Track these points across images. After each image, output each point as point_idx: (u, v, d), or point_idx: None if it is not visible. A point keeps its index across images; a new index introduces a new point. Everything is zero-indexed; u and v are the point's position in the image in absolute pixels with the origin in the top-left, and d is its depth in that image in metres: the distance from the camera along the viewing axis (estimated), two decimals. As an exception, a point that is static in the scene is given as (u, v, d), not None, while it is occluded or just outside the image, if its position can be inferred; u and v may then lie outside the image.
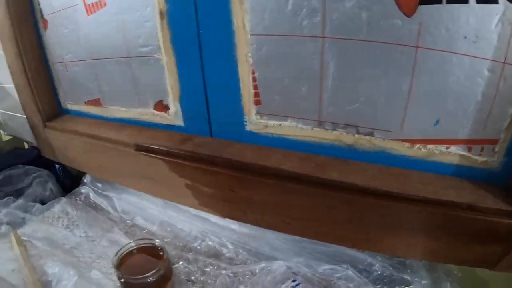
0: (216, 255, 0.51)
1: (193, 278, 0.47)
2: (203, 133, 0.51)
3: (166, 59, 0.48)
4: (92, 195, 0.70)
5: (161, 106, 0.53)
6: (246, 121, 0.46)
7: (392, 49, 0.35)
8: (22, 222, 0.63)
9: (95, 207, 0.68)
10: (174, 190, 0.52)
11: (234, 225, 0.54)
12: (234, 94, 0.45)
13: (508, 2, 0.30)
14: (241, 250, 0.51)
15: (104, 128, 0.59)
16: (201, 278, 0.47)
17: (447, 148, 0.38)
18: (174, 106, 0.51)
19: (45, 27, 0.61)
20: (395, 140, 0.40)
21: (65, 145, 0.66)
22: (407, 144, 0.40)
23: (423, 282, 0.41)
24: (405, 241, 0.39)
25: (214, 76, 0.45)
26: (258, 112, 0.45)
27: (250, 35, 0.40)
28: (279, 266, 0.45)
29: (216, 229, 0.54)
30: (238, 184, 0.45)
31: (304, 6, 0.37)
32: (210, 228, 0.56)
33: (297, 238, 0.49)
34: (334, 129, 0.42)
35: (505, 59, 0.32)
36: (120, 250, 0.47)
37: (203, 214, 0.58)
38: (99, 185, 0.72)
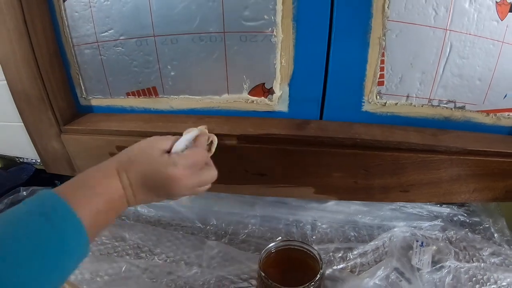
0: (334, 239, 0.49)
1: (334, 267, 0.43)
2: (311, 117, 0.48)
3: (282, 36, 0.43)
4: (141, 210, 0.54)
5: (261, 90, 0.47)
6: (364, 102, 0.47)
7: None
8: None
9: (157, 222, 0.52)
10: (296, 182, 0.47)
11: (334, 207, 0.53)
12: (358, 75, 0.45)
13: None
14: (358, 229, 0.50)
15: (165, 122, 0.48)
16: (341, 266, 0.44)
17: (508, 115, 0.50)
18: (281, 90, 0.46)
19: None
20: (478, 111, 0.50)
21: (99, 153, 0.49)
22: (485, 114, 0.50)
23: (489, 220, 0.53)
24: (483, 187, 0.49)
25: (341, 56, 0.44)
26: (378, 93, 0.47)
27: (388, 20, 0.43)
28: (400, 233, 0.48)
29: (323, 214, 0.52)
30: (371, 162, 0.46)
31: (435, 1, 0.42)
32: (316, 215, 0.52)
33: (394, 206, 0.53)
34: (438, 105, 0.49)
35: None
36: (262, 253, 0.39)
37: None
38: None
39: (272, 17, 0.43)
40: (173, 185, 0.32)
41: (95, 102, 0.52)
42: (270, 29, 0.43)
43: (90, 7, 0.47)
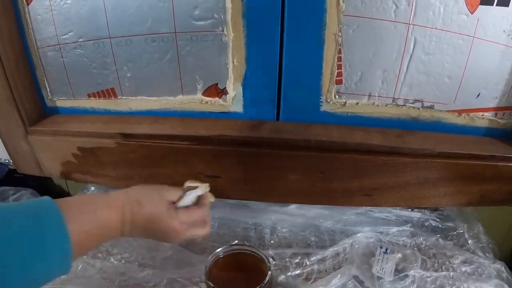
0: (292, 244, 0.47)
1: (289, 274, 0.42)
2: (267, 118, 0.47)
3: (233, 35, 0.42)
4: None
5: (215, 91, 0.46)
6: (322, 102, 0.46)
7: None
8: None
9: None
10: (251, 185, 0.46)
11: (295, 210, 0.51)
12: (314, 74, 0.43)
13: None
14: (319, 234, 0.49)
15: (122, 124, 0.48)
16: (297, 272, 0.43)
17: (482, 115, 0.47)
18: (234, 90, 0.46)
19: (29, 0, 0.46)
20: (448, 111, 0.47)
21: (63, 154, 0.50)
22: (456, 114, 0.47)
23: (464, 225, 0.50)
24: (455, 191, 0.46)
25: (294, 55, 0.42)
26: (337, 92, 0.45)
27: (343, 15, 0.41)
28: (364, 238, 0.46)
29: (284, 218, 0.50)
30: (328, 165, 0.44)
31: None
32: (276, 218, 0.51)
33: (359, 210, 0.51)
34: (404, 105, 0.47)
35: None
36: (210, 258, 0.39)
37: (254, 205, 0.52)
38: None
39: (222, 16, 0.42)
40: (172, 236, 0.36)
41: (60, 103, 0.53)
42: (220, 28, 0.43)
43: (51, 10, 0.47)
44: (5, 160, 0.60)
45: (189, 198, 0.39)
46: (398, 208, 0.50)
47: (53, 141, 0.51)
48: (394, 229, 0.48)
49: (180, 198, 0.39)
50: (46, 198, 0.29)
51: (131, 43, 0.46)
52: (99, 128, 0.48)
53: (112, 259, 0.47)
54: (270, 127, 0.45)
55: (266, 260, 0.39)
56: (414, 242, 0.47)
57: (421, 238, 0.47)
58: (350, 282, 0.43)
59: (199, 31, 0.43)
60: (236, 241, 0.47)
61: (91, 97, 0.51)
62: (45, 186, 0.63)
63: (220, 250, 0.41)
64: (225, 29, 0.43)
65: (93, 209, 0.32)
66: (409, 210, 0.51)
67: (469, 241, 0.47)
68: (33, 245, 0.26)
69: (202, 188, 0.41)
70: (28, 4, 0.48)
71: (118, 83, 0.49)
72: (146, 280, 0.43)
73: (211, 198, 0.42)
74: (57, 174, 0.54)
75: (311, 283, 0.42)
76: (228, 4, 0.41)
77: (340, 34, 0.42)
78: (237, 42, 0.43)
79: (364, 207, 0.50)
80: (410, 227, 0.49)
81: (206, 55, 0.44)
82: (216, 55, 0.44)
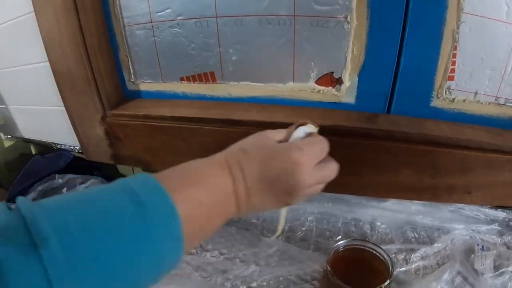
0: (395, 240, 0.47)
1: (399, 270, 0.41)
2: (377, 111, 0.46)
3: (356, 23, 0.41)
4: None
5: (329, 80, 0.45)
6: (433, 96, 0.45)
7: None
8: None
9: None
10: (361, 178, 0.45)
11: (393, 206, 0.50)
12: (430, 69, 0.43)
13: None
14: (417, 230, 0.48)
15: (226, 110, 0.45)
16: (404, 268, 0.42)
17: None
18: (350, 80, 0.44)
19: None
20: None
21: (148, 141, 0.46)
22: None
23: None
24: None
25: (413, 49, 0.41)
26: (448, 88, 0.45)
27: (463, 12, 0.41)
28: (461, 236, 0.46)
29: (383, 213, 0.49)
30: (440, 161, 0.43)
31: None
32: (375, 213, 0.50)
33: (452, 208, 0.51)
34: (504, 104, 0.47)
35: None
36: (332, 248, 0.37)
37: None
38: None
39: (347, 2, 0.41)
40: (298, 174, 0.27)
41: (144, 86, 0.49)
42: (343, 15, 0.41)
43: (146, -16, 0.44)
44: (70, 146, 0.54)
45: (301, 131, 0.32)
46: (485, 207, 0.51)
47: (139, 126, 0.46)
48: (484, 228, 0.49)
49: (289, 135, 0.31)
50: (140, 174, 0.24)
51: (241, 24, 0.43)
52: (197, 113, 0.45)
53: (208, 255, 0.43)
54: (385, 120, 0.44)
55: (389, 262, 0.38)
56: (503, 241, 0.48)
57: (509, 237, 0.48)
58: (457, 278, 0.43)
59: (321, 16, 0.41)
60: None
61: (184, 81, 0.47)
62: (109, 175, 0.58)
63: (341, 244, 0.39)
64: (348, 16, 0.41)
65: (198, 178, 0.25)
66: (494, 209, 0.52)
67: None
68: (136, 235, 0.20)
69: (313, 125, 0.33)
70: None
71: (219, 66, 0.45)
72: (252, 278, 0.40)
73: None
74: (135, 163, 0.50)
75: (422, 278, 0.41)
76: (355, -9, 0.40)
77: (457, 31, 0.42)
78: (359, 31, 0.42)
79: (456, 205, 0.51)
80: (497, 226, 0.50)
81: (324, 42, 0.42)
82: (336, 42, 0.42)
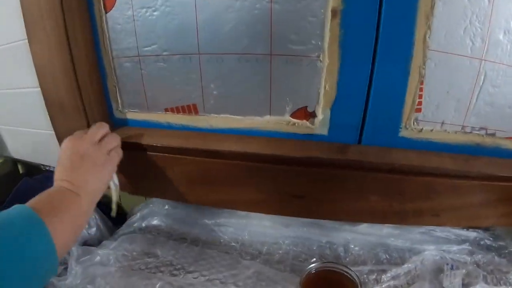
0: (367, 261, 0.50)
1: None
2: (349, 142, 0.49)
3: (328, 61, 0.44)
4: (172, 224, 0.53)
5: (303, 113, 0.48)
6: (401, 127, 0.48)
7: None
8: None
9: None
10: (333, 205, 0.48)
11: (366, 229, 0.53)
12: (398, 102, 0.46)
13: None
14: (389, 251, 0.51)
15: (206, 141, 0.48)
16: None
17: None
18: (323, 114, 0.47)
19: (108, 7, 0.45)
20: (508, 138, 0.51)
21: (133, 168, 0.49)
22: None
23: None
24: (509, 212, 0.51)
25: (382, 84, 0.45)
26: (415, 119, 0.48)
27: (429, 49, 0.44)
28: (431, 256, 0.49)
29: (356, 236, 0.52)
30: (407, 187, 0.47)
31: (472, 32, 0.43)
32: (348, 237, 0.53)
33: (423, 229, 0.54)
34: (470, 132, 0.51)
35: None
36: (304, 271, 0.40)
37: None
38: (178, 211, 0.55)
39: (319, 42, 0.44)
40: (77, 149, 0.41)
41: (131, 115, 0.52)
42: (316, 54, 0.44)
43: (134, 20, 0.47)
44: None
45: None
46: (456, 228, 0.54)
47: (125, 153, 0.49)
48: (455, 247, 0.52)
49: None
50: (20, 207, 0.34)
51: (222, 61, 0.46)
52: (180, 143, 0.48)
53: (190, 276, 0.46)
54: (355, 150, 0.47)
55: (357, 281, 0.41)
56: (473, 260, 0.51)
57: (479, 256, 0.51)
58: None
59: (295, 55, 0.44)
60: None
61: (168, 111, 0.50)
62: None
63: (313, 266, 0.42)
64: (321, 55, 0.44)
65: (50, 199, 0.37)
66: (466, 229, 0.55)
67: (521, 259, 0.52)
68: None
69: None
70: (106, 12, 0.47)
71: (201, 99, 0.48)
72: (234, 300, 0.43)
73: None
74: (121, 187, 0.52)
75: None
76: (327, 33, 0.43)
77: (424, 67, 0.45)
78: (331, 69, 0.45)
79: (427, 227, 0.54)
80: (468, 245, 0.53)
81: (299, 79, 0.46)
82: (309, 79, 0.45)
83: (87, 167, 0.41)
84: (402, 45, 0.43)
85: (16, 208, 0.34)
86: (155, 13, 0.45)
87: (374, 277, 0.48)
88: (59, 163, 0.42)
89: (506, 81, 0.46)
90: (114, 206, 0.49)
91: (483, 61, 0.46)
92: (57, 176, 0.41)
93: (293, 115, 0.48)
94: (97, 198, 0.42)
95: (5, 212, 0.33)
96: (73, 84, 0.47)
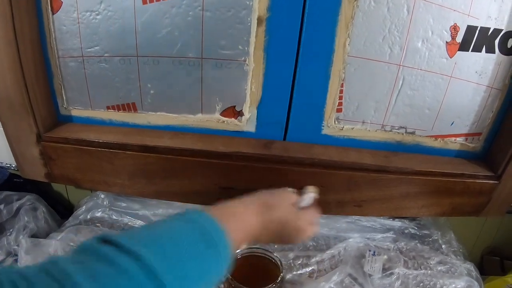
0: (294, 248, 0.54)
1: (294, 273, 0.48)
2: (275, 138, 0.53)
3: (254, 65, 0.48)
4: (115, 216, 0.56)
5: (232, 112, 0.52)
6: (323, 126, 0.53)
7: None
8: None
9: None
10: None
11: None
12: (319, 103, 0.51)
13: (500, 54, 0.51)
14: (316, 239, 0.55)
15: (143, 137, 0.51)
16: (301, 271, 0.49)
17: (454, 140, 0.57)
18: (249, 112, 0.51)
19: (55, 9, 0.48)
20: (427, 136, 0.56)
21: (77, 161, 0.52)
22: (433, 139, 0.57)
23: (438, 232, 0.60)
24: (430, 203, 0.56)
25: (304, 86, 0.49)
26: (337, 118, 0.53)
27: (348, 55, 0.48)
28: (354, 243, 0.54)
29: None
30: (327, 180, 0.51)
31: (391, 40, 0.48)
32: None
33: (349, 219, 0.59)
34: (390, 130, 0.56)
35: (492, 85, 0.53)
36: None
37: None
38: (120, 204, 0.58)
39: (246, 48, 0.48)
40: (299, 236, 0.40)
41: (75, 112, 0.55)
42: (243, 58, 0.48)
43: (79, 22, 0.49)
44: (6, 164, 0.59)
45: (308, 199, 0.43)
46: (382, 217, 0.59)
47: (69, 148, 0.52)
48: (379, 236, 0.57)
49: (299, 200, 0.42)
50: (206, 215, 0.31)
51: (158, 63, 0.50)
52: (120, 139, 0.51)
53: None
54: (279, 146, 0.52)
55: (279, 263, 0.45)
56: (396, 247, 0.56)
57: (403, 243, 0.56)
58: (346, 279, 0.50)
59: (224, 59, 0.49)
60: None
61: (109, 109, 0.53)
62: (43, 191, 0.63)
63: (237, 252, 0.46)
64: (247, 59, 0.48)
65: (242, 218, 0.36)
66: (391, 219, 0.60)
67: (443, 246, 0.57)
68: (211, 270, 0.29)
69: (316, 190, 0.45)
70: (53, 14, 0.50)
71: (140, 98, 0.52)
72: None
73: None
74: (67, 181, 0.56)
75: (314, 279, 0.49)
76: (253, 39, 0.47)
77: (343, 71, 0.50)
78: (257, 71, 0.49)
79: (353, 217, 0.58)
80: (392, 234, 0.58)
81: (227, 80, 0.50)
82: (237, 81, 0.50)
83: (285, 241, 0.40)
84: (323, 51, 0.48)
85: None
86: (98, 16, 0.48)
87: (299, 262, 0.52)
88: (270, 200, 0.40)
89: (424, 85, 0.51)
90: None
91: (401, 66, 0.50)
92: (259, 208, 0.38)
93: (223, 113, 0.52)
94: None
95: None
96: (20, 82, 0.50)
